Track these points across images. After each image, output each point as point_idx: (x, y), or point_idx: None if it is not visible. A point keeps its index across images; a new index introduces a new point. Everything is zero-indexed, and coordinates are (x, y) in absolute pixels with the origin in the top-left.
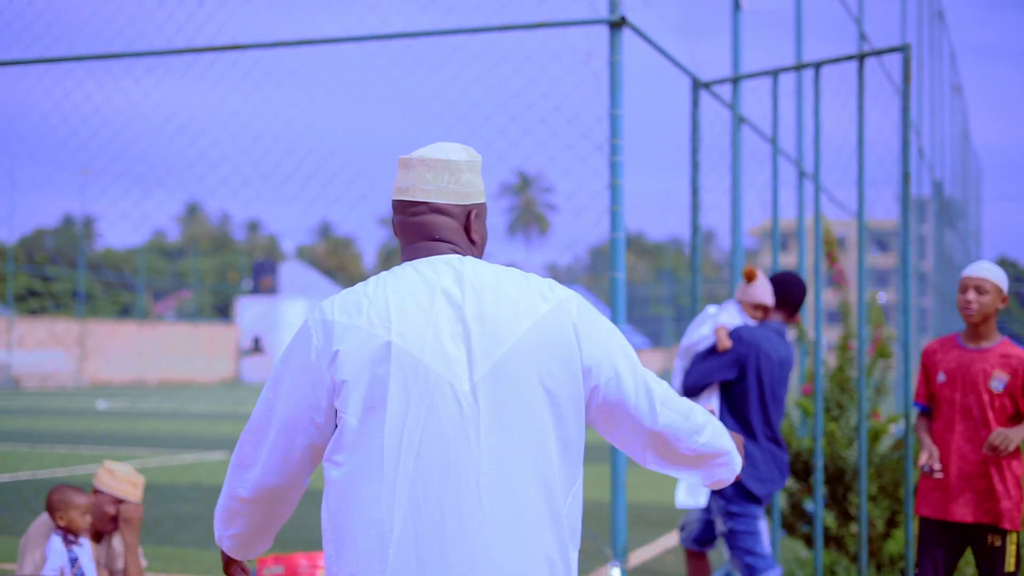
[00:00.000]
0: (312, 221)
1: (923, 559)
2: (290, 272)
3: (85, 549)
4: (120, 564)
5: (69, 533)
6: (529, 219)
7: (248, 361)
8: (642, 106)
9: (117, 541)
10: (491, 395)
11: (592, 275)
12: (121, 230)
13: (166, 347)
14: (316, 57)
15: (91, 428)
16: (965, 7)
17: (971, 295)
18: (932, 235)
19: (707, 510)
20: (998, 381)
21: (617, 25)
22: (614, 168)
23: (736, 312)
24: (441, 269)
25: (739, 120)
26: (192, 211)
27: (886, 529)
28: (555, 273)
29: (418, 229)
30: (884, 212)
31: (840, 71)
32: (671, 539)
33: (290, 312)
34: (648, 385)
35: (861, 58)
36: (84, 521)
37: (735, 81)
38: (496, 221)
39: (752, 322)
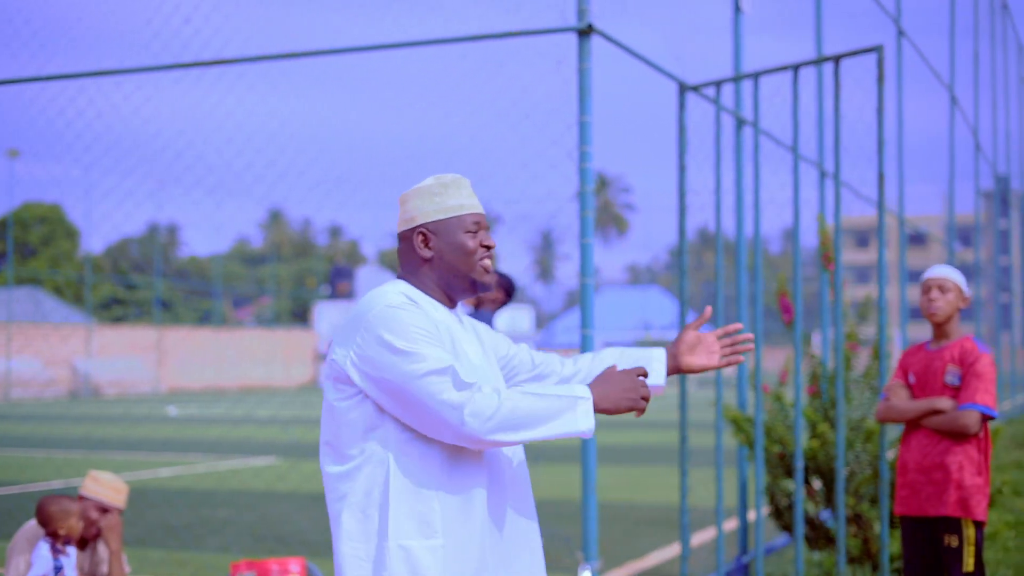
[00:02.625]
0: (392, 225)
1: (906, 556)
2: (367, 276)
3: (71, 559)
4: (103, 570)
5: (59, 542)
6: (607, 220)
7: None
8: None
9: (101, 547)
10: None
11: (670, 275)
12: (206, 237)
13: (244, 353)
14: (349, 64)
15: (152, 434)
16: None
17: (935, 294)
18: (1019, 230)
19: None
20: (952, 375)
21: (585, 33)
22: (583, 175)
23: None
24: None
25: (740, 122)
26: (275, 217)
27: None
28: (635, 273)
29: None
30: (921, 207)
31: (865, 66)
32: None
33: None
34: None
35: (836, 60)
36: (79, 526)
37: (718, 84)
38: (572, 222)
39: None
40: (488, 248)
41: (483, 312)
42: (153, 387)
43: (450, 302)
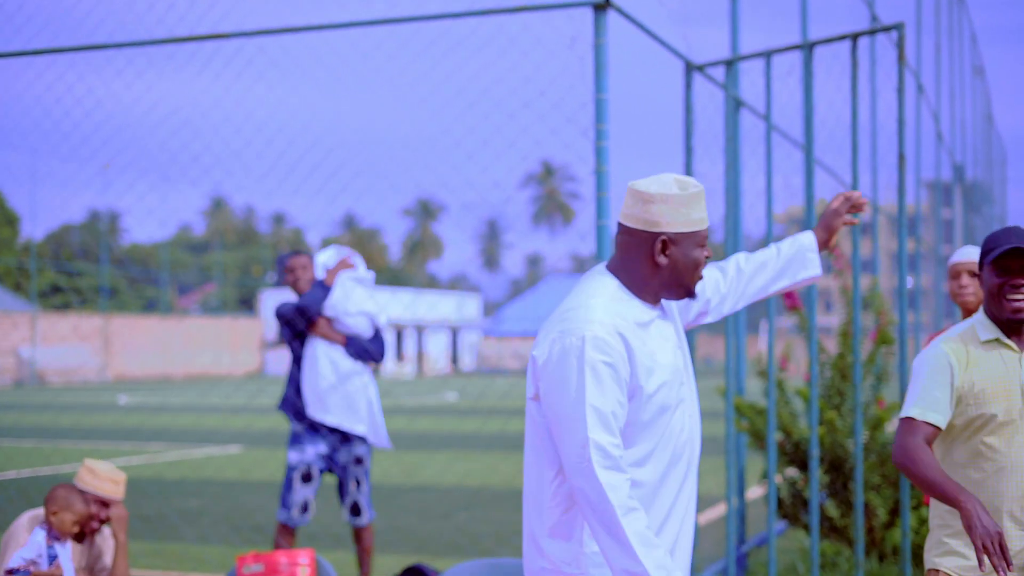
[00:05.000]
0: (337, 213)
1: None
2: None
3: (67, 550)
4: (103, 563)
5: (55, 531)
6: (553, 209)
7: (272, 354)
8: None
9: (100, 540)
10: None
11: None
12: (147, 225)
13: (190, 341)
14: (314, 45)
15: (103, 423)
16: None
17: (965, 280)
18: (959, 219)
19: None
20: None
21: (602, 7)
22: (600, 154)
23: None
24: None
25: (736, 103)
26: (217, 205)
27: (889, 519)
28: (579, 262)
29: None
30: (891, 196)
31: (837, 54)
32: None
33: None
34: None
35: (855, 38)
36: (72, 528)
37: (729, 64)
38: (521, 211)
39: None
40: (709, 259)
41: None
42: (99, 375)
43: (656, 300)
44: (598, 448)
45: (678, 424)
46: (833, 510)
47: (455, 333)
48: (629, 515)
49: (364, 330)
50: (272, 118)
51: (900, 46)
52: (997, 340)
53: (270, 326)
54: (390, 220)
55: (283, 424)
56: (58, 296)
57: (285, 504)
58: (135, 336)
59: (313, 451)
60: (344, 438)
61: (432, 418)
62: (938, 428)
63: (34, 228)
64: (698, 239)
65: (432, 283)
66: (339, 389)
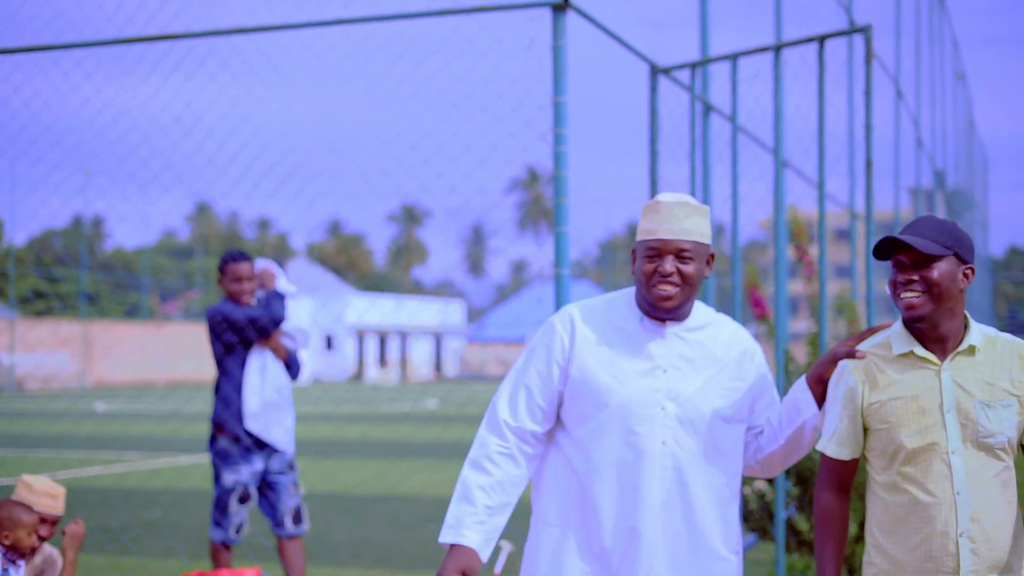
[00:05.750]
0: (322, 218)
1: None
2: (296, 270)
3: (21, 571)
4: None
5: (11, 551)
6: (538, 214)
7: None
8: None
9: (39, 558)
10: None
11: (599, 270)
12: (131, 230)
13: (172, 347)
14: (286, 46)
15: (77, 431)
16: None
17: None
18: None
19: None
20: None
21: (560, 8)
22: (558, 159)
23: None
24: None
25: (705, 107)
26: (201, 210)
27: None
28: None
29: None
30: (882, 203)
31: (828, 56)
32: None
33: (295, 310)
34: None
35: (822, 40)
36: (30, 540)
37: (694, 67)
38: (507, 216)
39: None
40: (665, 276)
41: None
42: (79, 381)
43: (653, 313)
44: (492, 409)
45: (636, 442)
46: (803, 523)
47: (439, 339)
48: (471, 468)
49: (295, 345)
50: (252, 122)
51: (868, 48)
52: (911, 353)
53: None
54: (375, 225)
55: None
56: (40, 301)
57: (221, 525)
58: (115, 342)
59: (248, 471)
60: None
61: (412, 426)
62: (852, 460)
63: (15, 233)
64: (643, 250)
65: (417, 288)
66: (280, 405)
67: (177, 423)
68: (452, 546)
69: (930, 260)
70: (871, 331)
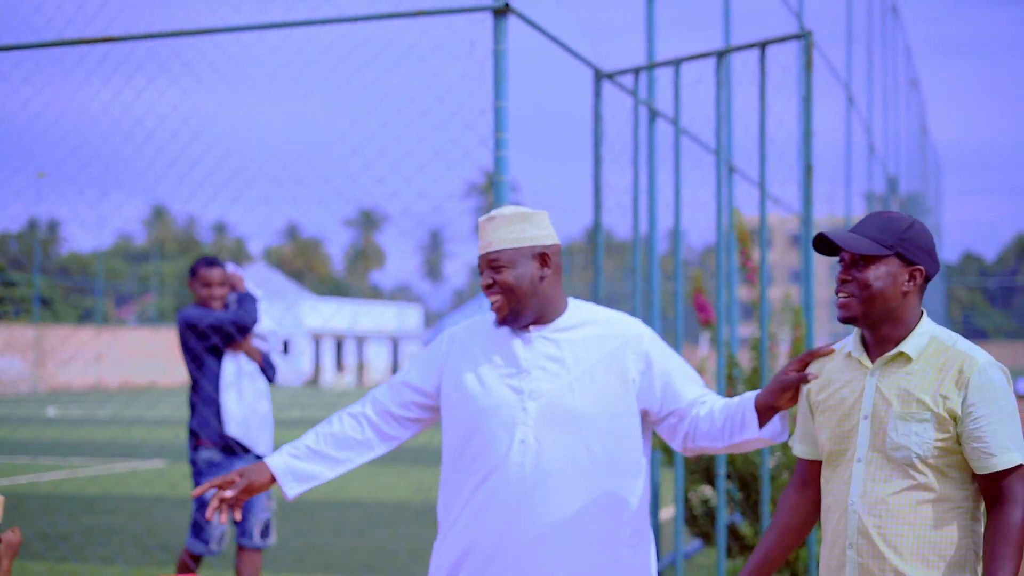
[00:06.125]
0: (280, 223)
1: None
2: (254, 274)
3: None
4: None
5: None
6: None
7: None
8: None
9: None
10: None
11: None
12: (87, 234)
13: (126, 351)
14: (231, 49)
15: (24, 436)
16: (922, 2)
17: None
18: None
19: None
20: None
21: (501, 12)
22: (499, 163)
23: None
24: None
25: (651, 112)
26: (158, 214)
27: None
28: None
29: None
30: (836, 208)
31: (776, 61)
32: None
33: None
34: None
35: (763, 46)
36: None
37: (637, 72)
38: (463, 222)
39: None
40: (486, 288)
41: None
42: (32, 387)
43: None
44: (372, 390)
45: (496, 443)
46: (747, 528)
47: (396, 343)
48: (316, 426)
49: (268, 347)
50: (209, 126)
51: (808, 54)
52: (850, 354)
53: None
54: (333, 230)
55: None
56: None
57: (201, 537)
58: (69, 347)
59: None
60: (255, 453)
61: None
62: (815, 459)
63: None
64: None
65: (375, 293)
66: (258, 410)
67: (138, 429)
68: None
69: (868, 260)
70: (811, 353)
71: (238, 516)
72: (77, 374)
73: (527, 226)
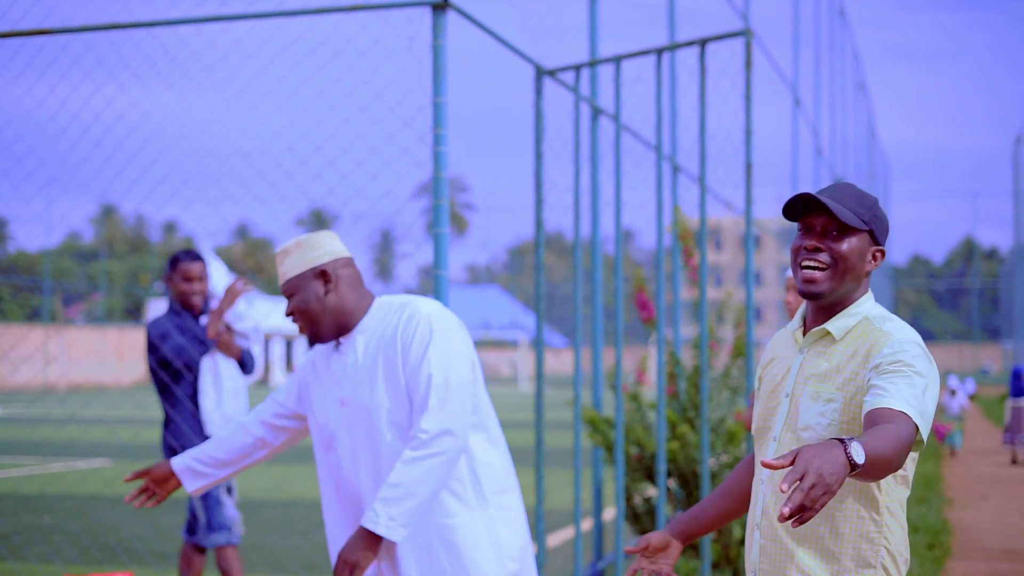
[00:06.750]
0: (230, 223)
1: None
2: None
3: None
4: None
5: None
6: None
7: None
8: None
9: None
10: None
11: (508, 275)
12: (34, 232)
13: (75, 351)
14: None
15: None
16: (871, 7)
17: (791, 296)
18: None
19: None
20: None
21: (440, 7)
22: (438, 159)
23: None
24: None
25: (594, 109)
26: (107, 212)
27: (744, 534)
28: (474, 273)
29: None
30: (764, 210)
31: (719, 61)
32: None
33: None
34: None
35: (703, 44)
36: None
37: (578, 68)
38: (414, 222)
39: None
40: (288, 316)
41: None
42: None
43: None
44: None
45: (336, 457)
46: None
47: None
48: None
49: (248, 344)
50: (151, 122)
51: (748, 52)
52: (794, 331)
53: None
54: (283, 230)
55: (155, 436)
56: None
57: (218, 526)
58: (17, 345)
59: None
60: None
61: None
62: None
63: None
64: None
65: None
66: (237, 406)
67: (79, 428)
68: None
69: (844, 231)
70: (644, 548)
71: (152, 504)
72: (24, 372)
73: (304, 251)
